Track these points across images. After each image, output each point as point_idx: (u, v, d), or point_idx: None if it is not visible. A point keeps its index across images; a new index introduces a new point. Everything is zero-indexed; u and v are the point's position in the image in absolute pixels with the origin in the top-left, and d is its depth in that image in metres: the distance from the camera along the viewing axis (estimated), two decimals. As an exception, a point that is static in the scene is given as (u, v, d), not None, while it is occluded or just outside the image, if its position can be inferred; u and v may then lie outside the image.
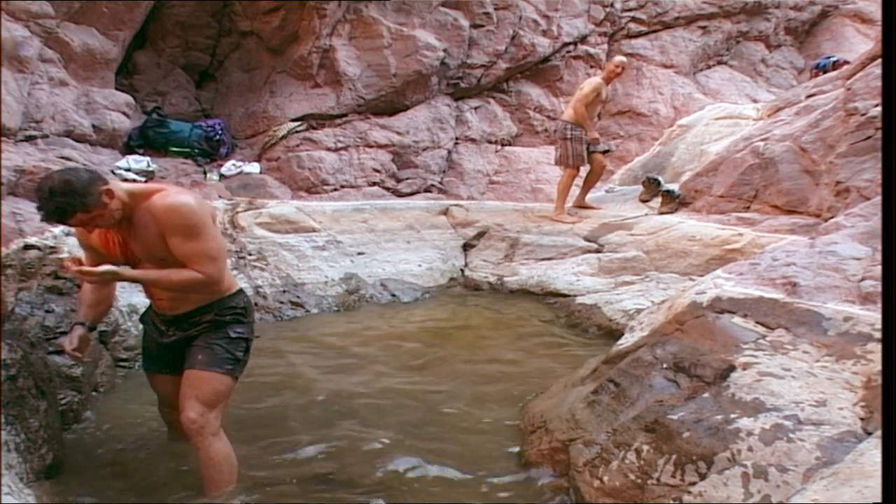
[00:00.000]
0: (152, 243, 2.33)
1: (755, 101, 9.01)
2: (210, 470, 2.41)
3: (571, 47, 9.39)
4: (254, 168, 7.43)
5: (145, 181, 5.93)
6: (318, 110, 7.86)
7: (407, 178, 7.98)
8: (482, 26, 8.67)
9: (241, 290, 2.64)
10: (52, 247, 3.83)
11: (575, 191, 7.37)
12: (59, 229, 4.23)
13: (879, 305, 2.22)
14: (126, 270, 2.34)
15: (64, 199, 2.14)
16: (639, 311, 4.41)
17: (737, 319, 2.49)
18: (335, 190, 7.52)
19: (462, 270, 6.86)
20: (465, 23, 8.50)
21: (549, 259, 6.52)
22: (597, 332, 4.98)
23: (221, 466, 2.43)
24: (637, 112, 9.34)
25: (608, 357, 3.01)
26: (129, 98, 6.56)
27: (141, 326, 4.14)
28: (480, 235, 7.17)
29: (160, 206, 2.31)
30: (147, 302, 2.69)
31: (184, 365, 2.51)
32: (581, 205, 7.33)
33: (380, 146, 7.92)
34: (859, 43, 9.72)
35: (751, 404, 2.08)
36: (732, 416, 2.07)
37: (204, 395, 2.40)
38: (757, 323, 2.44)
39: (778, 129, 6.05)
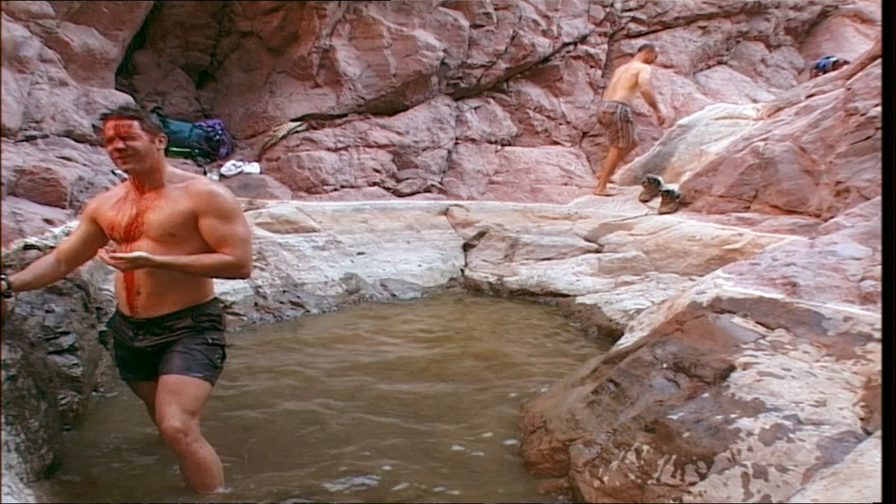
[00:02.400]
0: (173, 218, 2.40)
1: (755, 101, 8.99)
2: (202, 476, 2.40)
3: (571, 47, 9.38)
4: (254, 168, 7.43)
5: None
6: (318, 110, 7.86)
7: (407, 178, 7.97)
8: (482, 26, 8.66)
9: (216, 298, 2.66)
10: (51, 246, 3.82)
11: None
12: (58, 229, 4.23)
13: (879, 305, 2.22)
14: (157, 256, 2.34)
15: (142, 109, 2.48)
16: (639, 311, 4.41)
17: (737, 319, 2.49)
18: (335, 190, 7.51)
19: (462, 270, 6.85)
20: (465, 23, 8.50)
21: (549, 259, 6.52)
22: (597, 332, 4.98)
23: (211, 470, 2.42)
24: (637, 112, 9.31)
25: (608, 357, 3.01)
26: (130, 98, 6.55)
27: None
28: (480, 235, 7.17)
29: (202, 189, 2.46)
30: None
31: (158, 371, 2.46)
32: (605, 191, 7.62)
33: (380, 146, 7.91)
34: (859, 43, 9.71)
35: (751, 404, 2.08)
36: (732, 416, 2.07)
37: (185, 401, 2.37)
38: (757, 323, 2.44)
39: (778, 129, 6.04)
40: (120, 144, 2.36)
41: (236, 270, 2.46)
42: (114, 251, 2.43)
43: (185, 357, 2.44)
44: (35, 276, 2.53)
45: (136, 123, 2.38)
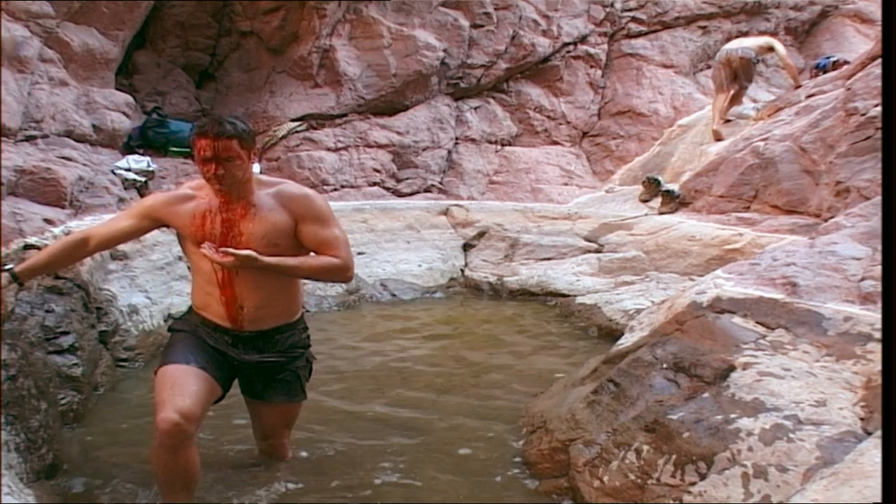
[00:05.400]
0: (275, 225, 2.30)
1: (755, 101, 8.99)
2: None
3: (571, 47, 9.39)
4: (254, 168, 7.42)
5: (145, 181, 5.92)
6: (318, 110, 7.87)
7: (407, 178, 7.98)
8: (482, 26, 8.67)
9: None
10: (52, 247, 3.82)
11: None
12: (58, 229, 4.23)
13: (879, 305, 2.22)
14: (264, 257, 2.23)
15: (237, 122, 2.24)
16: (639, 311, 4.40)
17: (737, 319, 2.49)
18: (335, 190, 7.52)
19: (462, 270, 6.86)
20: (465, 23, 8.50)
21: (549, 259, 6.53)
22: (597, 332, 4.98)
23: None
24: (637, 112, 9.33)
25: (608, 357, 3.00)
26: (129, 98, 6.55)
27: (138, 327, 4.20)
28: (480, 235, 7.17)
29: (296, 193, 2.37)
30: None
31: (261, 394, 2.51)
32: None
33: (380, 146, 7.92)
34: (859, 43, 9.70)
35: (751, 404, 2.08)
36: (732, 416, 2.07)
37: (294, 421, 2.66)
38: (757, 323, 2.44)
39: (778, 129, 6.05)
40: (220, 171, 2.18)
41: (343, 273, 2.38)
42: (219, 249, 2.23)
43: (296, 385, 2.54)
44: (52, 255, 2.38)
45: (235, 143, 2.19)
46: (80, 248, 2.39)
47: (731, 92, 7.59)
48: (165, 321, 4.29)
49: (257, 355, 2.42)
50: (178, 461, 2.15)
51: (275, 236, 2.30)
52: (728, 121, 7.62)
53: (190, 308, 2.50)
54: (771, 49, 7.75)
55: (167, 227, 2.39)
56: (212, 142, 2.16)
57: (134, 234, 2.44)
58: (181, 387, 2.20)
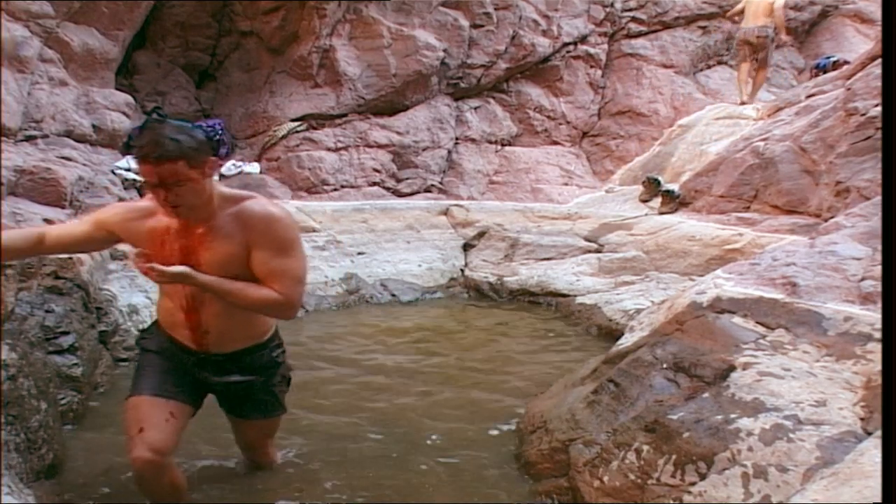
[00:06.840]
0: (231, 255, 2.06)
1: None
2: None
3: (571, 47, 9.39)
4: (254, 168, 7.43)
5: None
6: (318, 110, 7.87)
7: (407, 178, 7.98)
8: (482, 26, 8.67)
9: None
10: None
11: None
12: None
13: (879, 305, 2.22)
14: (200, 275, 2.02)
15: (181, 138, 1.92)
16: (639, 311, 4.40)
17: (737, 319, 2.48)
18: (335, 190, 7.52)
19: (462, 270, 6.85)
20: (465, 23, 8.50)
21: (549, 259, 6.52)
22: (597, 332, 4.98)
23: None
24: (637, 112, 9.34)
25: (608, 357, 3.00)
26: (129, 98, 6.56)
27: (138, 327, 4.19)
28: (480, 235, 7.17)
29: (258, 213, 2.07)
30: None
31: (237, 411, 2.43)
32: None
33: (380, 146, 7.92)
34: (859, 43, 9.71)
35: (751, 404, 2.08)
36: (732, 416, 2.07)
37: (275, 431, 2.63)
38: (757, 323, 2.44)
39: (778, 129, 6.05)
40: (170, 197, 1.93)
41: (279, 310, 2.13)
42: (149, 261, 2.02)
43: (272, 402, 2.46)
44: (22, 245, 2.13)
45: (181, 165, 1.90)
46: (36, 246, 2.15)
47: (755, 70, 8.07)
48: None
49: (225, 377, 2.28)
50: (161, 486, 2.15)
51: (232, 266, 2.06)
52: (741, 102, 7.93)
53: (156, 321, 2.37)
54: (772, 12, 8.14)
55: (122, 242, 2.18)
56: (153, 167, 1.89)
57: (88, 243, 2.23)
58: (149, 420, 2.11)
